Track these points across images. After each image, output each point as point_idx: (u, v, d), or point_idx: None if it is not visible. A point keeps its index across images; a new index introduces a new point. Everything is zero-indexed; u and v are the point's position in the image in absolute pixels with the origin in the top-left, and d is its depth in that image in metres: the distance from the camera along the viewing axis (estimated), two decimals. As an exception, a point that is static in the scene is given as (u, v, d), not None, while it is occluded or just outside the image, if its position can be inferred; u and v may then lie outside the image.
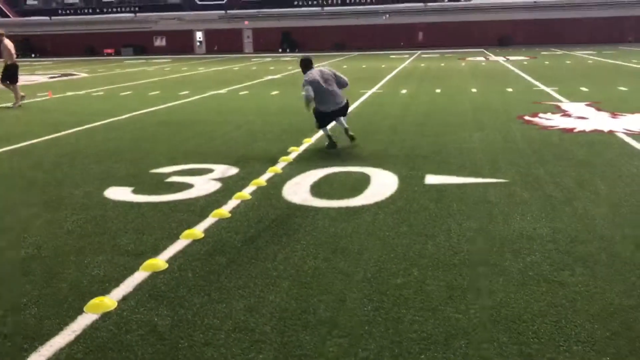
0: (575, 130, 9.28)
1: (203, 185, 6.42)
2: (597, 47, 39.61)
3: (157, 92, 17.46)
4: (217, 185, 6.43)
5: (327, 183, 6.42)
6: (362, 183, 6.37)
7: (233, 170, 7.12)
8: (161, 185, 6.56)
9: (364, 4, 50.80)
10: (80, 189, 6.50)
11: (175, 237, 4.82)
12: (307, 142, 8.76)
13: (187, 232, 4.88)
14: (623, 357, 2.92)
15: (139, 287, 3.89)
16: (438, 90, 15.79)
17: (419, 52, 42.78)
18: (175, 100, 15.02)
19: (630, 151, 7.70)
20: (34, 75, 26.82)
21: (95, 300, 3.65)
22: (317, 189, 6.17)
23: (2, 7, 55.92)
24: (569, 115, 10.84)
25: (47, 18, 55.09)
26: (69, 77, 25.34)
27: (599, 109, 11.46)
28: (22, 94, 15.30)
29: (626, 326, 3.23)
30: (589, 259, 4.16)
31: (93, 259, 4.42)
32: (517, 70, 22.07)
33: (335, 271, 4.07)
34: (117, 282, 3.97)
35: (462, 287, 3.77)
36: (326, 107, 8.18)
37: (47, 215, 5.58)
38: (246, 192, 6.07)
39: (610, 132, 9.01)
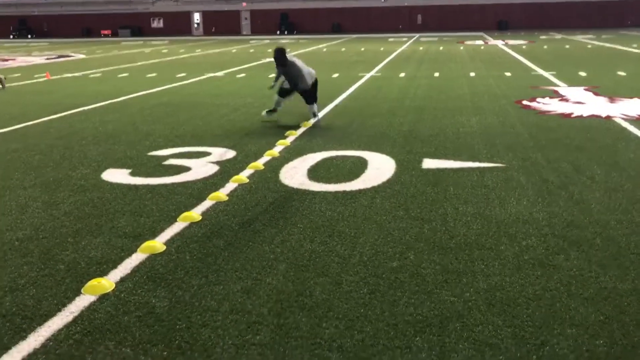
0: (572, 115, 9.28)
1: (201, 168, 6.42)
2: (597, 32, 39.46)
3: (155, 74, 17.38)
4: (215, 169, 6.43)
5: (324, 167, 6.42)
6: (359, 167, 6.38)
7: (230, 154, 7.11)
8: (159, 167, 6.56)
9: (362, -14, 50.42)
10: (77, 171, 6.49)
11: (172, 220, 4.83)
12: (305, 126, 8.75)
13: (184, 214, 4.89)
14: (616, 341, 2.96)
15: (136, 269, 3.91)
16: (436, 74, 15.75)
17: (418, 35, 42.59)
18: (173, 83, 14.95)
19: (628, 136, 7.71)
20: (31, 57, 26.66)
21: (93, 282, 3.67)
22: (314, 173, 6.18)
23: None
24: (567, 100, 10.83)
25: (44, -2, 54.58)
26: (66, 59, 25.17)
27: (597, 94, 11.45)
28: (1, 76, 15.02)
29: (620, 310, 3.26)
30: (584, 243, 4.19)
31: (90, 240, 4.44)
32: (515, 55, 21.99)
33: (332, 254, 4.09)
34: (114, 264, 3.99)
35: (458, 270, 3.80)
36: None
37: (45, 197, 5.58)
38: (243, 176, 6.08)
39: (608, 118, 9.02)
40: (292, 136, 8.04)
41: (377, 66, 18.49)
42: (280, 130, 8.39)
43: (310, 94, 9.31)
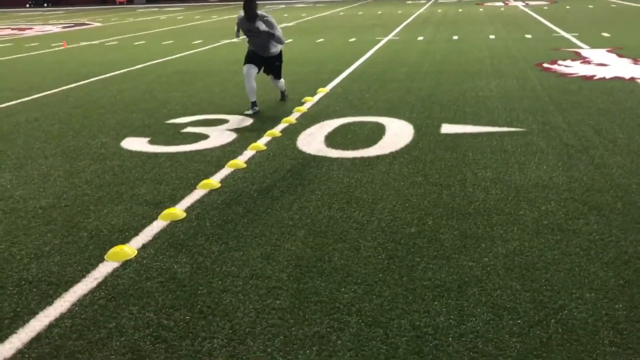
0: (595, 78, 9.09)
1: (218, 136, 6.44)
2: (621, -9, 38.30)
3: (171, 41, 17.31)
4: (233, 136, 6.44)
5: (341, 133, 6.40)
6: (377, 133, 6.34)
7: (247, 121, 7.11)
8: (177, 135, 6.59)
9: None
10: (97, 139, 6.55)
11: (192, 187, 4.87)
12: (322, 92, 8.70)
13: (203, 182, 4.93)
14: (636, 305, 2.95)
15: (158, 236, 3.97)
16: (455, 37, 15.47)
17: (436, -3, 41.72)
18: (189, 50, 14.90)
19: (651, 99, 7.56)
20: (48, 25, 26.67)
21: (116, 249, 3.73)
22: (332, 140, 6.17)
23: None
24: (589, 62, 10.61)
25: (58, -34, 54.20)
26: (83, 27, 25.15)
27: (620, 55, 11.18)
28: None
29: None
30: (605, 207, 4.16)
31: (112, 208, 4.50)
32: (536, 16, 21.49)
33: (350, 220, 4.11)
34: (136, 231, 4.05)
35: (476, 235, 3.80)
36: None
37: (66, 165, 5.66)
38: (261, 143, 6.09)
39: (632, 80, 8.82)
40: (308, 102, 8.01)
41: (395, 30, 18.21)
42: (297, 97, 8.35)
43: (279, 66, 7.78)
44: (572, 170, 4.95)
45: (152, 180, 5.12)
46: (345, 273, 3.38)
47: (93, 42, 17.87)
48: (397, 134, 6.28)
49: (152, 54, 14.20)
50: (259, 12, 7.31)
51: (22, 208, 4.60)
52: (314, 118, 7.13)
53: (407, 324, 2.87)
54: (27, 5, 52.82)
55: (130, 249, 3.75)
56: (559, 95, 7.90)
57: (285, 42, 7.58)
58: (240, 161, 5.50)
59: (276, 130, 6.57)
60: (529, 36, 15.15)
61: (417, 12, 25.72)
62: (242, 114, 7.40)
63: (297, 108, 7.62)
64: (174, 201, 4.59)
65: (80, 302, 3.17)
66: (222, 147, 6.01)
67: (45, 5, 52.45)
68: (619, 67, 9.92)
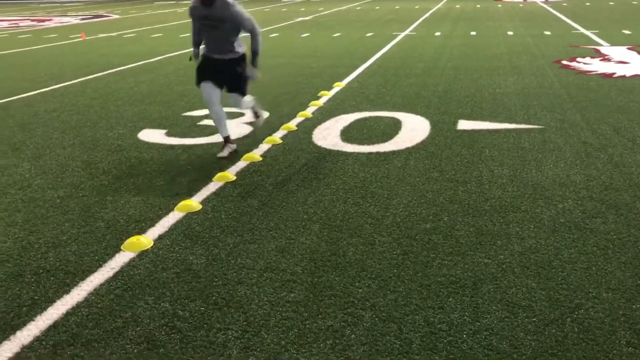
0: (615, 76, 8.98)
1: (234, 129, 6.45)
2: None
3: (188, 34, 17.32)
4: (248, 129, 6.46)
5: (357, 128, 6.39)
6: (393, 128, 6.32)
7: (264, 115, 7.12)
8: (194, 128, 6.62)
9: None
10: (114, 130, 6.60)
11: (208, 180, 4.89)
12: (338, 87, 8.68)
13: (219, 174, 4.95)
14: (653, 305, 2.93)
15: (174, 227, 3.99)
16: (473, 33, 15.36)
17: (454, -8, 41.39)
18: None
19: (672, 97, 7.45)
20: (66, 17, 26.86)
21: (132, 239, 3.76)
22: (348, 134, 6.16)
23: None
24: (609, 60, 10.48)
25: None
26: (101, 19, 25.30)
27: (641, 53, 11.04)
28: None
29: (657, 274, 3.22)
30: (623, 206, 4.11)
31: (129, 199, 4.54)
32: (555, 12, 21.26)
33: (365, 215, 4.10)
34: (152, 222, 4.08)
35: (492, 232, 3.77)
36: None
37: (84, 156, 5.71)
38: (277, 137, 6.10)
39: (652, 78, 8.71)
40: (324, 97, 8.00)
41: (412, 25, 18.11)
42: (313, 91, 8.34)
43: (242, 76, 5.54)
44: (590, 169, 4.90)
45: (168, 172, 5.15)
46: (359, 268, 3.38)
47: (111, 34, 17.98)
48: (414, 129, 6.25)
49: (170, 47, 14.26)
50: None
51: (40, 197, 4.65)
52: (330, 112, 7.12)
53: (421, 319, 2.86)
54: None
55: (146, 239, 3.78)
56: (577, 92, 7.82)
57: (242, 48, 5.50)
58: (256, 154, 5.51)
59: (292, 124, 6.57)
60: (547, 33, 15.00)
61: (435, 7, 25.55)
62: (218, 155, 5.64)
63: (313, 102, 7.62)
64: (190, 193, 4.61)
65: (97, 291, 3.20)
66: (238, 140, 6.02)
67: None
68: (639, 65, 9.80)
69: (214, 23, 5.26)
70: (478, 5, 26.20)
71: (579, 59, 10.61)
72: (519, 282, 3.17)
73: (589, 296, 3.02)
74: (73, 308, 3.04)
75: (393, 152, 5.50)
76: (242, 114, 7.07)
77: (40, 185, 4.94)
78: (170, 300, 3.09)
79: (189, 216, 4.17)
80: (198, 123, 6.80)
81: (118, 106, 7.84)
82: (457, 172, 4.92)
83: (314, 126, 6.52)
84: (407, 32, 16.18)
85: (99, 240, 3.83)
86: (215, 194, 4.60)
